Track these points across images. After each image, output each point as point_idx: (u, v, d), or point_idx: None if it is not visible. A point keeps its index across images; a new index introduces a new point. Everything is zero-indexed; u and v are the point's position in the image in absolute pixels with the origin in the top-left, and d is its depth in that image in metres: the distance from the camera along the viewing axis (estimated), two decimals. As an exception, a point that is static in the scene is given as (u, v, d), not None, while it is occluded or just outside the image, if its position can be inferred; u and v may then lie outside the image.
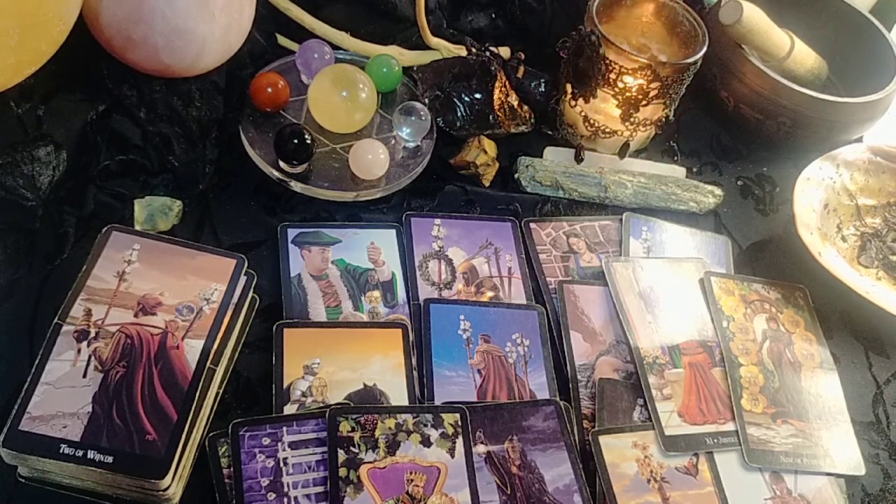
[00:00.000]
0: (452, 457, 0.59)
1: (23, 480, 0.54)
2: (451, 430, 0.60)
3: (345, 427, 0.58)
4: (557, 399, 0.65)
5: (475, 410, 0.62)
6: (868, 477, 0.67)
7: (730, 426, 0.66)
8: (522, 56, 0.86)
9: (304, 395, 0.61)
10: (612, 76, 0.79)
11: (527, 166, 0.81)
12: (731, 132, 0.94)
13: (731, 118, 0.92)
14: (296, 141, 0.72)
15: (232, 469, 0.56)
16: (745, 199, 0.88)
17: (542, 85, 0.86)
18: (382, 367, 0.64)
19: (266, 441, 0.57)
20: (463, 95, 0.81)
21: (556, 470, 0.61)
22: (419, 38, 0.87)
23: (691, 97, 0.89)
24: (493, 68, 0.81)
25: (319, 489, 0.56)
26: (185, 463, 0.55)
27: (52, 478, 0.54)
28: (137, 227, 0.68)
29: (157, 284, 0.62)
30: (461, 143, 0.81)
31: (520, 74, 0.85)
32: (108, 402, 0.55)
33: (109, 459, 0.52)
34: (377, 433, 0.59)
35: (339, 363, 0.63)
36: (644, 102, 0.80)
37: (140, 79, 0.73)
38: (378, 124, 0.81)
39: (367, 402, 0.62)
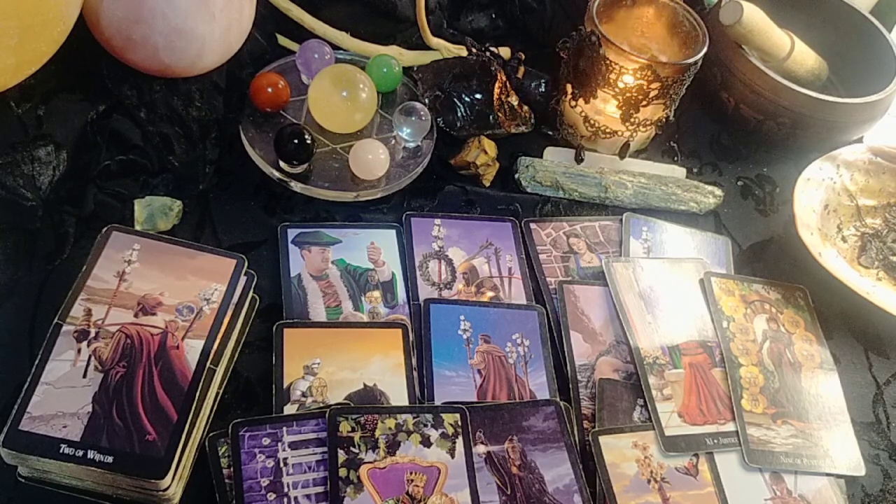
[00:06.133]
0: (452, 457, 0.59)
1: (23, 480, 0.54)
2: (451, 431, 0.60)
3: (345, 427, 0.58)
4: (557, 399, 0.65)
5: (475, 410, 0.62)
6: (868, 477, 0.67)
7: (730, 426, 0.66)
8: (522, 56, 0.86)
9: (304, 395, 0.61)
10: (613, 76, 0.79)
11: (527, 166, 0.81)
12: (731, 132, 0.94)
13: (731, 118, 0.92)
14: (296, 141, 0.72)
15: (232, 469, 0.56)
16: (746, 200, 0.88)
17: (542, 85, 0.86)
18: (382, 367, 0.64)
19: (266, 441, 0.57)
20: (463, 95, 0.81)
21: (556, 470, 0.61)
22: (419, 38, 0.87)
23: (691, 97, 0.89)
24: (493, 68, 0.81)
25: (319, 489, 0.56)
26: (185, 463, 0.55)
27: (52, 478, 0.54)
28: (137, 227, 0.68)
29: (157, 284, 0.62)
30: (461, 144, 0.81)
31: (520, 74, 0.85)
32: (108, 402, 0.55)
33: (109, 459, 0.52)
34: (377, 433, 0.59)
35: (339, 363, 0.63)
36: (644, 103, 0.80)
37: (140, 79, 0.73)
38: (378, 124, 0.81)
39: (367, 403, 0.62)
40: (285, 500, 0.55)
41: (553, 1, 0.95)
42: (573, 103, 0.84)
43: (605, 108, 0.83)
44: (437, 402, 0.63)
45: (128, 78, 0.73)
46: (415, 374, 0.65)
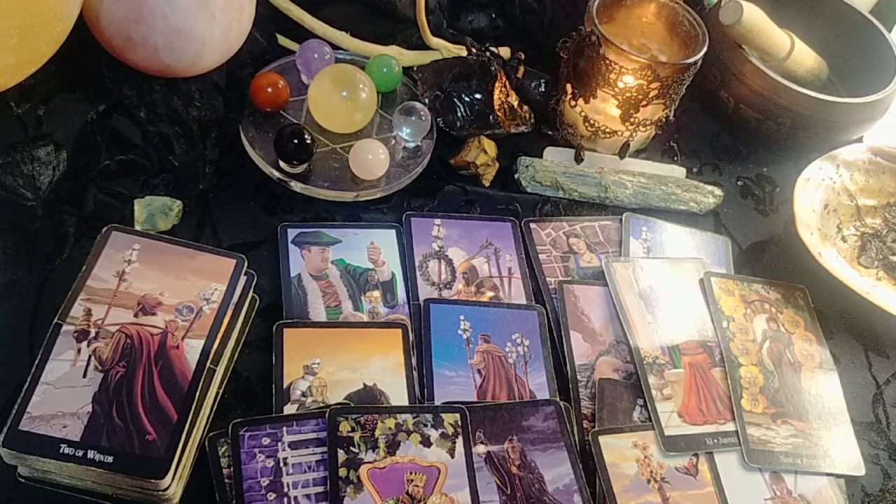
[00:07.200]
0: (452, 457, 0.59)
1: (23, 480, 0.54)
2: (451, 430, 0.60)
3: (345, 427, 0.58)
4: (557, 399, 0.65)
5: (475, 410, 0.62)
6: (868, 477, 0.67)
7: (730, 426, 0.66)
8: (522, 56, 0.86)
9: (304, 395, 0.61)
10: (612, 76, 0.79)
11: (527, 166, 0.81)
12: (731, 132, 0.94)
13: (731, 118, 0.92)
14: (296, 141, 0.72)
15: (232, 469, 0.56)
16: (745, 200, 0.88)
17: (542, 85, 0.86)
18: (382, 367, 0.64)
19: (266, 441, 0.57)
20: (463, 95, 0.81)
21: (556, 470, 0.61)
22: (419, 38, 0.87)
23: (691, 97, 0.89)
24: (493, 68, 0.81)
25: (319, 489, 0.56)
26: (185, 463, 0.55)
27: (52, 478, 0.54)
28: (137, 227, 0.68)
29: (157, 284, 0.62)
30: (461, 143, 0.81)
31: (520, 74, 0.85)
32: (108, 402, 0.55)
33: (109, 459, 0.52)
34: (377, 433, 0.59)
35: (339, 363, 0.63)
36: (644, 103, 0.80)
37: (140, 79, 0.73)
38: (378, 124, 0.81)
39: (367, 402, 0.62)
40: (285, 499, 0.55)
41: (553, 1, 0.95)
42: (573, 103, 0.84)
43: (604, 108, 0.83)
44: (437, 402, 0.63)
45: (128, 78, 0.73)
46: (415, 373, 0.65)
